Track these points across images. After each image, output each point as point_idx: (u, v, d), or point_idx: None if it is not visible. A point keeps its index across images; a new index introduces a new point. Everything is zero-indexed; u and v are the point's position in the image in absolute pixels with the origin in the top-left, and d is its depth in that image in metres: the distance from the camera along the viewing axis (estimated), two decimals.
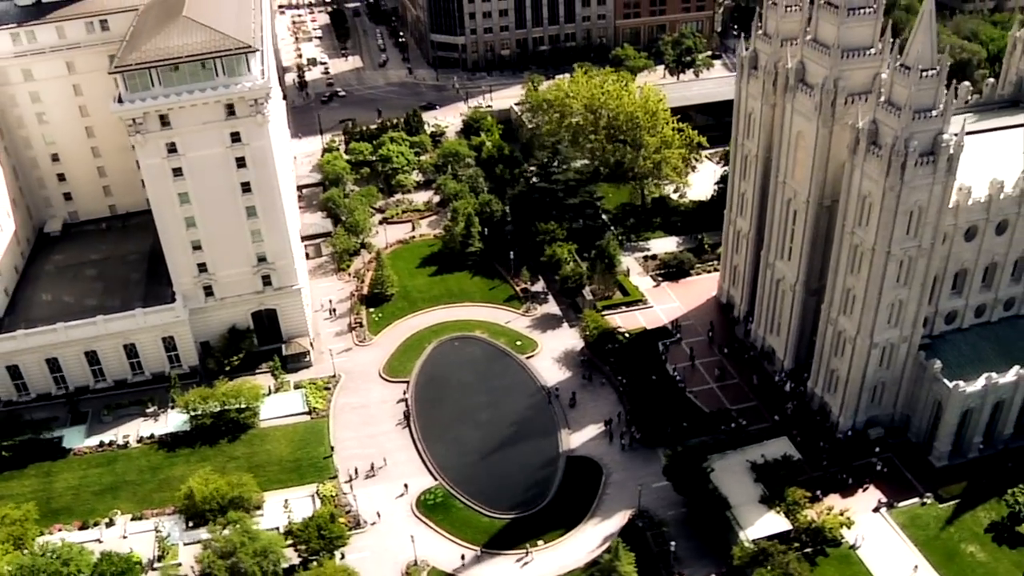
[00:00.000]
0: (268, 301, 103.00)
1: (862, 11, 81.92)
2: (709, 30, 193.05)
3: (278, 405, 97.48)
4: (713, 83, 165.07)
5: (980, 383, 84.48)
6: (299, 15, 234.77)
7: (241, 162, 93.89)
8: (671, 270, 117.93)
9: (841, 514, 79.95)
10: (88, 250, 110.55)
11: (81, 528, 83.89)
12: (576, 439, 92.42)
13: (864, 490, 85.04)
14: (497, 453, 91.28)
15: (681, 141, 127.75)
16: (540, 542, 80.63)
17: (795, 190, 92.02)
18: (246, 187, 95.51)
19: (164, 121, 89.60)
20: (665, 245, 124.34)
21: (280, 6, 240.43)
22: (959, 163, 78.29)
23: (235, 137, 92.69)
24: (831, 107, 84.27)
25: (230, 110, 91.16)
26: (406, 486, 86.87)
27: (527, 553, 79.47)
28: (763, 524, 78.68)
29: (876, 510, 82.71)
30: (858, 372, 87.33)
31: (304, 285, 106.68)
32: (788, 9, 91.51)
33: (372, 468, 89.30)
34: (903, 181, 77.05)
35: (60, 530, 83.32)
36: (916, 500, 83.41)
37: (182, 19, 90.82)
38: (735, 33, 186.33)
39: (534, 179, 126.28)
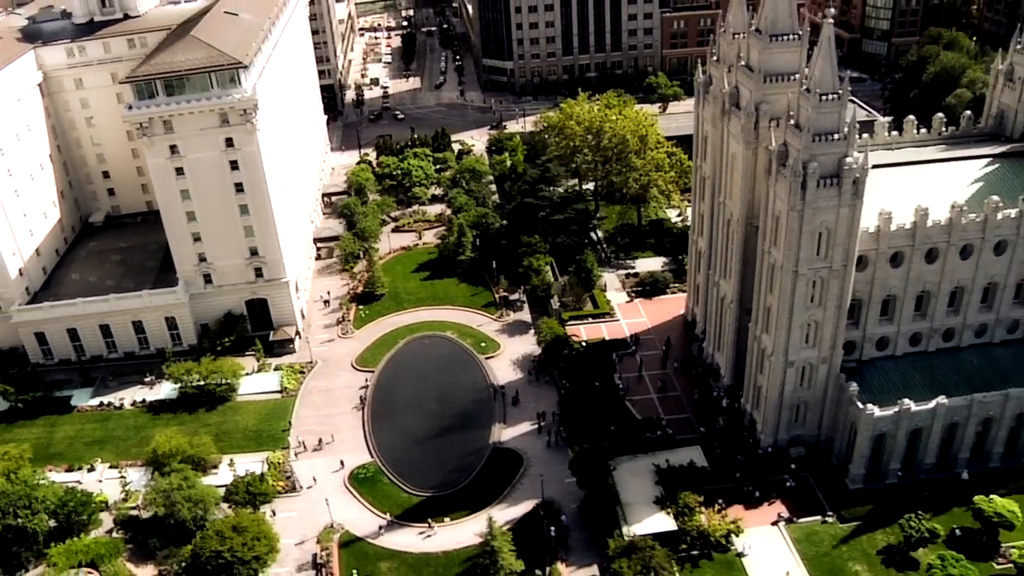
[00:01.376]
0: (260, 291, 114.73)
1: (785, 38, 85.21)
2: None
3: (256, 383, 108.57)
4: None
5: (893, 409, 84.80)
6: (375, 37, 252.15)
7: (234, 165, 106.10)
8: (646, 288, 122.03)
9: (733, 522, 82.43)
10: (120, 239, 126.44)
11: (68, 471, 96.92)
12: (508, 433, 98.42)
13: (770, 504, 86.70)
14: (433, 439, 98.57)
15: (671, 165, 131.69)
16: (446, 519, 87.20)
17: (731, 210, 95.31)
18: (239, 187, 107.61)
19: (167, 126, 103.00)
20: (651, 264, 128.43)
21: (361, 29, 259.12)
22: (865, 187, 79.93)
23: (228, 142, 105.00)
24: (754, 129, 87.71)
25: (224, 118, 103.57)
26: (342, 462, 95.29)
27: (429, 526, 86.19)
28: (649, 522, 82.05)
29: (775, 523, 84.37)
30: (775, 390, 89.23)
31: (293, 279, 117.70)
32: (735, 36, 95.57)
33: (320, 443, 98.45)
34: (805, 202, 79.61)
35: (51, 471, 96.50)
36: (817, 518, 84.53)
37: (189, 38, 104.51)
38: None
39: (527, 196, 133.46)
